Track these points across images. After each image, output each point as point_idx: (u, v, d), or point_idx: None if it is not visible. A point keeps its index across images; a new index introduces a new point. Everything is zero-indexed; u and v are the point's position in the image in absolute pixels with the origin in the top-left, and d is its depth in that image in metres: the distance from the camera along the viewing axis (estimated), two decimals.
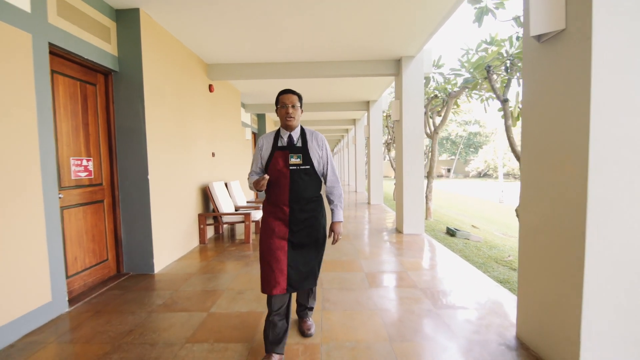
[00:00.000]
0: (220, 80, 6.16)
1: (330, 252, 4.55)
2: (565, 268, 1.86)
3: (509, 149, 6.28)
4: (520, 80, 5.12)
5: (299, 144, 2.16)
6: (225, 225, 6.30)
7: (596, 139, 1.67)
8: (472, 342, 2.29)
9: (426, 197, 8.38)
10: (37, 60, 2.62)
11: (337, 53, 5.22)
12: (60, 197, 2.93)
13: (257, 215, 5.50)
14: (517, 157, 5.11)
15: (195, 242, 5.01)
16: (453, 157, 41.46)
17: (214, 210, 5.42)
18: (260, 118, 11.04)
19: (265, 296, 2.73)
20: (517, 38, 5.28)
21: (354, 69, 5.61)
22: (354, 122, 13.42)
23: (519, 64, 5.21)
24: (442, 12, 3.89)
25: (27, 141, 2.52)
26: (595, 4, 1.65)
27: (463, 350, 2.20)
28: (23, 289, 2.48)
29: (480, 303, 2.90)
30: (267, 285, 2.03)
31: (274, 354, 2.00)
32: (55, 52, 2.92)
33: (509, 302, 2.89)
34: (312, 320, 2.49)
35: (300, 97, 2.18)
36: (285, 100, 2.12)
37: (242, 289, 3.28)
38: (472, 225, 8.30)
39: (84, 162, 3.29)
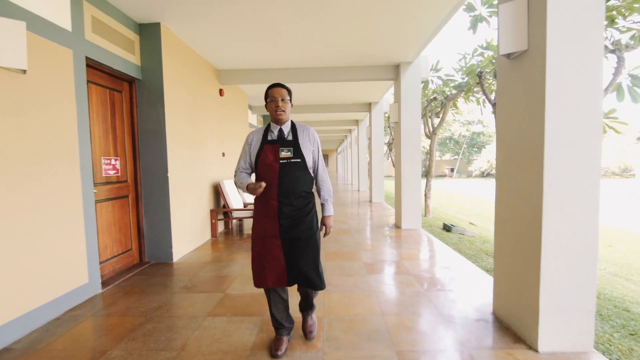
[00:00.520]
0: (230, 85, 6.55)
1: (332, 244, 4.92)
2: (527, 251, 2.21)
3: None
4: None
5: (290, 138, 2.14)
6: (234, 221, 6.70)
7: (549, 141, 2.02)
8: (453, 317, 2.65)
9: (425, 195, 8.72)
10: (77, 73, 3.02)
11: (339, 59, 5.59)
12: (94, 192, 3.32)
13: None
14: None
15: (207, 236, 5.41)
16: (456, 157, 41.61)
17: (224, 206, 5.82)
18: (266, 119, 11.42)
19: None
20: None
21: (355, 74, 5.97)
22: (356, 122, 13.77)
23: None
24: (437, 21, 4.22)
25: (70, 143, 2.92)
26: (549, 30, 2.00)
27: (445, 322, 2.56)
28: (65, 272, 2.87)
29: (465, 287, 3.25)
30: (261, 280, 2.11)
31: (283, 337, 2.23)
32: (90, 64, 3.32)
33: (491, 287, 3.24)
34: (315, 319, 2.42)
35: (289, 91, 2.16)
36: (274, 94, 2.10)
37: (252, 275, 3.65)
38: (470, 223, 8.62)
39: (113, 161, 3.69)
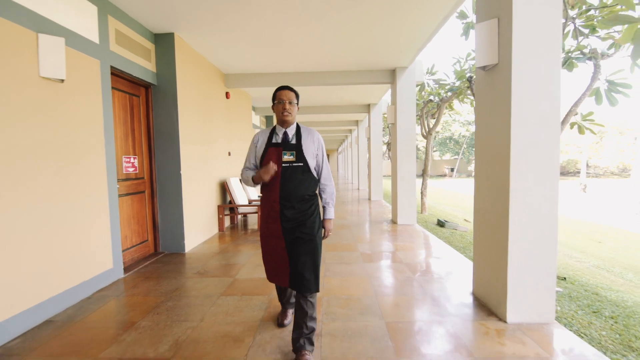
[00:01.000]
0: (235, 88, 6.91)
1: (332, 238, 5.28)
2: (498, 238, 2.57)
3: None
4: None
5: (294, 141, 2.15)
6: (239, 217, 7.06)
7: (514, 142, 2.38)
8: (438, 297, 3.00)
9: (421, 193, 9.07)
10: (103, 80, 3.38)
11: (338, 64, 5.94)
12: (117, 187, 3.68)
13: None
14: None
15: (215, 230, 5.77)
16: (456, 156, 41.91)
17: (230, 202, 6.18)
18: (269, 120, 11.78)
19: None
20: None
21: (353, 78, 6.33)
22: (356, 123, 14.13)
23: None
24: (430, 29, 4.55)
25: (97, 143, 3.29)
26: (514, 47, 2.35)
27: (430, 301, 2.92)
28: (94, 257, 3.24)
29: (451, 273, 3.61)
30: (271, 276, 2.28)
31: (288, 310, 2.54)
32: (113, 72, 3.68)
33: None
34: (312, 358, 2.03)
35: (297, 95, 2.18)
36: (282, 97, 2.12)
37: (258, 263, 4.01)
38: (465, 219, 8.97)
39: (132, 160, 4.05)
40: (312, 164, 2.15)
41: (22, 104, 2.51)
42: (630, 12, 3.07)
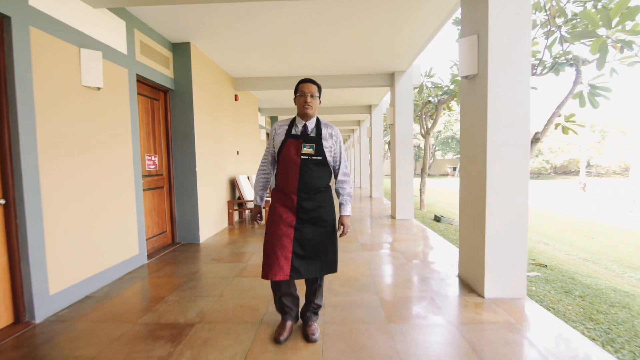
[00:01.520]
0: (243, 91, 7.33)
1: None
2: (478, 225, 2.96)
3: None
4: None
5: (313, 134, 2.16)
6: (247, 212, 7.49)
7: (490, 142, 2.77)
8: (428, 278, 3.40)
9: (420, 190, 9.45)
10: (131, 87, 3.81)
11: (339, 68, 6.34)
12: (142, 182, 4.11)
13: None
14: None
15: (225, 224, 6.20)
16: (458, 156, 42.17)
17: (239, 198, 6.60)
18: (274, 120, 12.20)
19: None
20: None
21: (354, 81, 6.73)
22: (358, 123, 14.51)
23: None
24: (426, 35, 4.90)
25: (126, 142, 3.71)
26: (490, 59, 2.75)
27: (420, 281, 3.31)
28: (124, 242, 3.67)
29: (441, 260, 4.00)
30: (269, 270, 2.08)
31: (287, 322, 2.32)
32: (138, 80, 4.10)
33: None
34: (317, 326, 2.36)
35: (319, 88, 2.17)
36: (304, 89, 2.12)
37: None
38: None
39: (153, 158, 4.48)
40: (329, 157, 2.19)
41: (68, 110, 2.93)
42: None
